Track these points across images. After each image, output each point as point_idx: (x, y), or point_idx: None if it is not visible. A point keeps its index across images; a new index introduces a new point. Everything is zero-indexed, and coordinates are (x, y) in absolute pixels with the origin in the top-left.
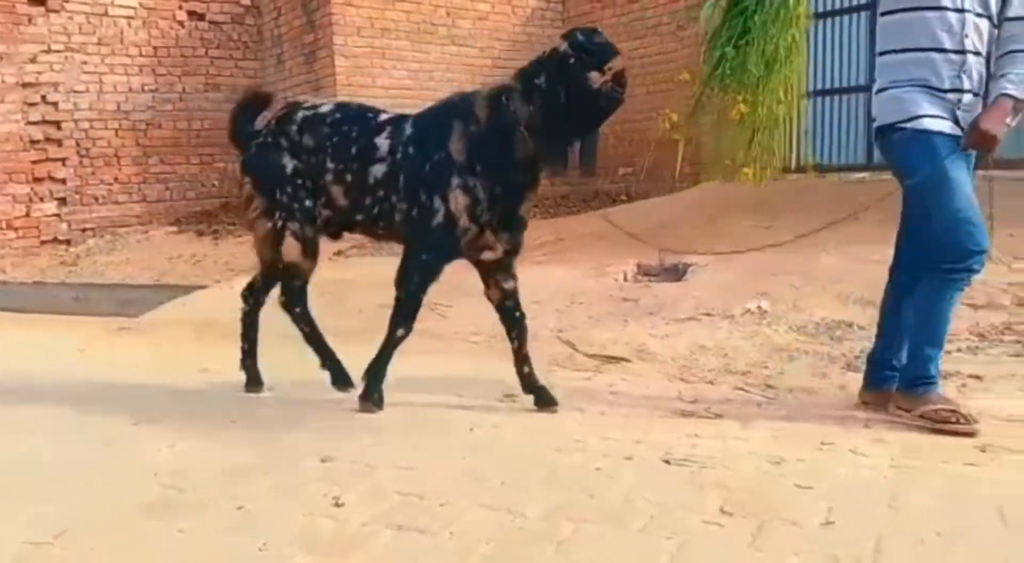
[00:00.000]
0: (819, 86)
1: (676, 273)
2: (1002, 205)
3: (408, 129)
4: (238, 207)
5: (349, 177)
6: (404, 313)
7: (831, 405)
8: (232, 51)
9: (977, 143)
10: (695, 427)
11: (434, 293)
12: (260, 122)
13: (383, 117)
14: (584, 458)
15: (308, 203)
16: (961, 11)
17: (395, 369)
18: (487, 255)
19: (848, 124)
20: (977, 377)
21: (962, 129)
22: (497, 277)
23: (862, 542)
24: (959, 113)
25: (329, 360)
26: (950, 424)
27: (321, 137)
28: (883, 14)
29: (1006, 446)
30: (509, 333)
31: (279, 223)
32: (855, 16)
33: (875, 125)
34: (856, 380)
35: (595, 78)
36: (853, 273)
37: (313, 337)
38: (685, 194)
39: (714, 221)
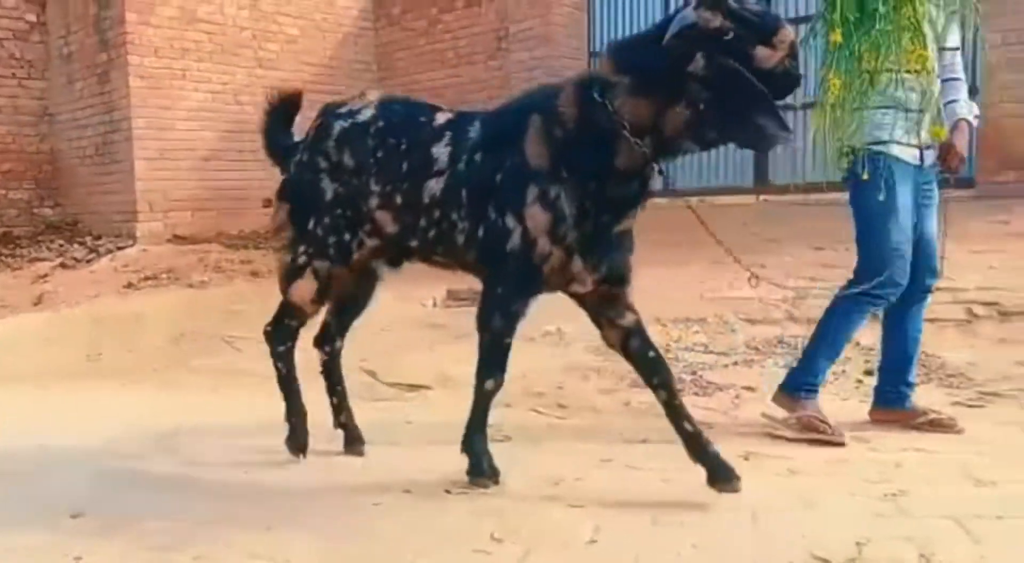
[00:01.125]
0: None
1: None
2: (777, 230)
3: (473, 132)
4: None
5: (399, 199)
6: (489, 361)
7: (616, 422)
8: (15, 70)
9: (957, 167)
10: None
11: (229, 325)
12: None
13: (441, 119)
14: (365, 494)
15: (346, 237)
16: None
17: (177, 409)
18: (575, 288)
19: None
20: (751, 388)
21: (919, 148)
22: (609, 314)
23: (622, 559)
24: (922, 133)
25: (295, 416)
26: (817, 432)
27: (363, 155)
28: None
29: (768, 453)
30: (649, 381)
31: (302, 258)
32: None
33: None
34: (639, 395)
35: (765, 55)
36: (649, 292)
37: (288, 381)
38: None
39: None
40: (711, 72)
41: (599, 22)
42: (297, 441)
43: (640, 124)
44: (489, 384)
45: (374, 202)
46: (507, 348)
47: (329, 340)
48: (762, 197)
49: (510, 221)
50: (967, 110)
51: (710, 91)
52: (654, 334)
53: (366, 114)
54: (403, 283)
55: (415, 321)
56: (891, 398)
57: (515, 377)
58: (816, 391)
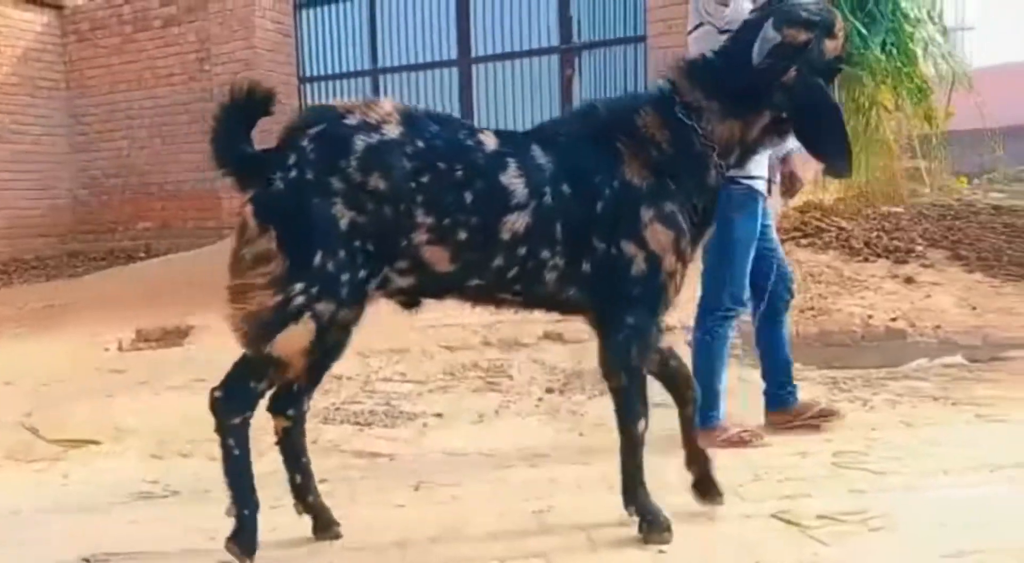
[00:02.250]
0: (313, 72)
1: (179, 336)
2: None
3: (542, 159)
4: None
5: (464, 235)
6: (633, 401)
7: None
8: None
9: (797, 192)
10: (144, 512)
11: None
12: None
13: (489, 142)
14: None
15: (362, 274)
16: None
17: None
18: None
19: None
20: (439, 415)
21: (768, 180)
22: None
23: None
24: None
25: (246, 507)
26: (751, 444)
27: (401, 178)
28: None
29: (438, 481)
30: (681, 399)
31: (299, 299)
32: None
33: None
34: (329, 432)
35: (832, 47)
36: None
37: (241, 464)
38: (207, 250)
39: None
40: (799, 84)
41: (307, 47)
42: (247, 541)
43: (728, 144)
44: (641, 425)
45: (421, 237)
46: (645, 380)
47: (294, 401)
48: None
49: (628, 248)
50: (792, 142)
51: (794, 101)
52: (355, 367)
53: (394, 130)
54: (83, 325)
55: (94, 367)
56: None
57: (200, 422)
58: (719, 414)
